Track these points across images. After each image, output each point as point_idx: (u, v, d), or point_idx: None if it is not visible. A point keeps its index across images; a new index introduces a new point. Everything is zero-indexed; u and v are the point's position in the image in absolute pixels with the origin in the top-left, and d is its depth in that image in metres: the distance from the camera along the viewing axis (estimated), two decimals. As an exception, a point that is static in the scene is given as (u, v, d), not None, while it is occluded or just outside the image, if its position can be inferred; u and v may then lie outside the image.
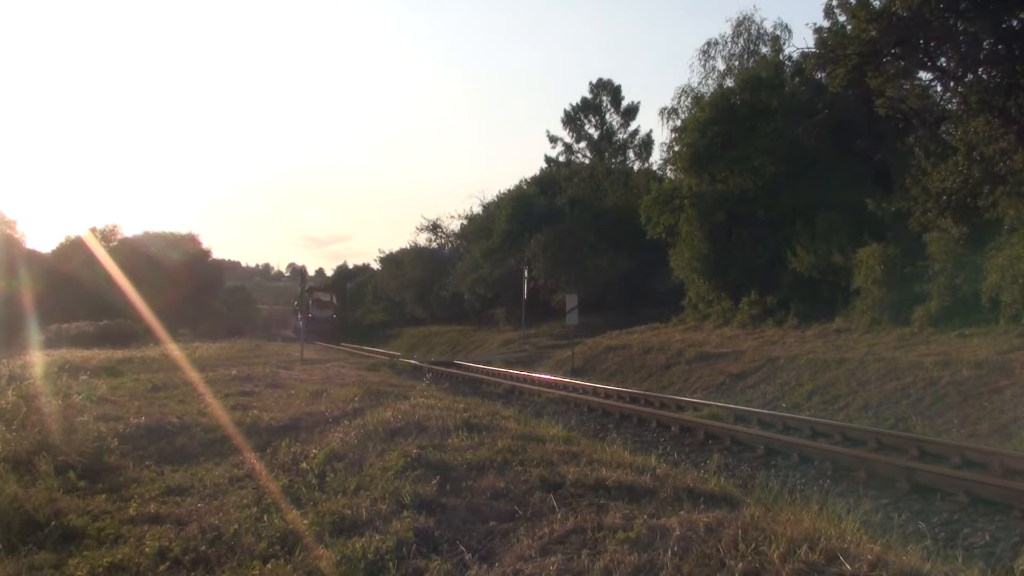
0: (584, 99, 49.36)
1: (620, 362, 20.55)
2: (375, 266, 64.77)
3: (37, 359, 17.01)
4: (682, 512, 4.03)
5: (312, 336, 44.31)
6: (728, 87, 26.16)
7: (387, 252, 59.65)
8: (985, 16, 14.65)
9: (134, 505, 5.31)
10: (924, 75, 18.03)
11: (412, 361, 22.58)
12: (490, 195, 44.53)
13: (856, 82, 17.36)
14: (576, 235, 34.31)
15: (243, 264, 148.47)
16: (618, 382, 17.23)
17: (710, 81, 29.07)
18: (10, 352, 20.75)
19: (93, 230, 55.79)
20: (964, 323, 14.64)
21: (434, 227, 53.01)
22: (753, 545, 3.33)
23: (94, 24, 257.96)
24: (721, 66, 29.36)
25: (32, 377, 11.68)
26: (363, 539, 4.04)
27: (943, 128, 18.06)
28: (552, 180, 42.59)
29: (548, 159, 50.33)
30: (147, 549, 4.24)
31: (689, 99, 28.69)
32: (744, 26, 29.02)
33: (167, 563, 4.07)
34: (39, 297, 37.10)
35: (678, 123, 28.72)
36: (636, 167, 45.38)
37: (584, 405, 12.33)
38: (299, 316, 51.93)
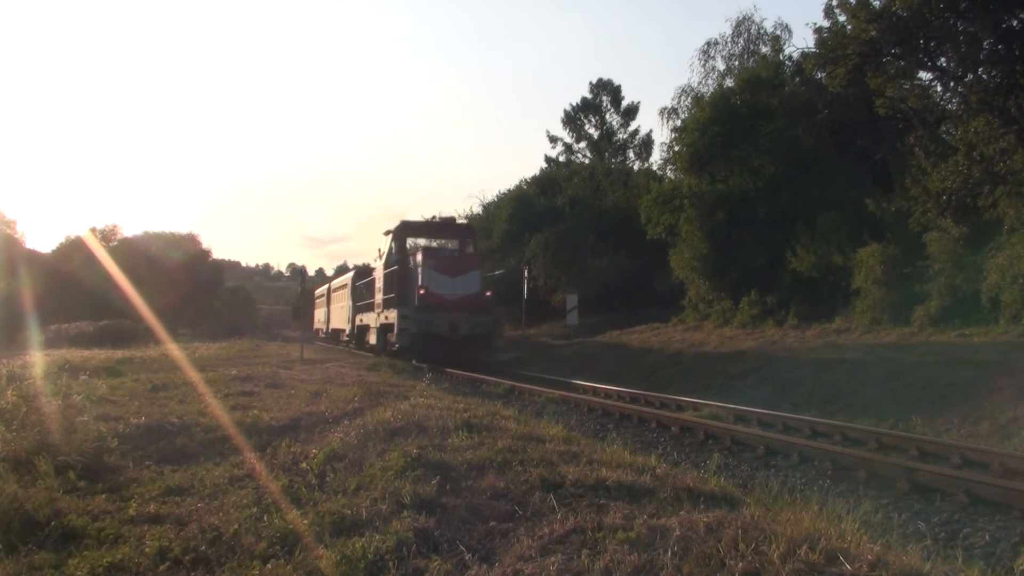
0: (584, 99, 49.39)
1: (620, 362, 20.54)
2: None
3: (37, 359, 16.99)
4: (682, 512, 4.02)
5: (424, 346, 19.05)
6: (728, 87, 26.15)
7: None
8: (985, 16, 14.66)
9: (134, 505, 5.31)
10: (924, 75, 18.04)
11: (412, 361, 22.52)
12: (490, 195, 44.05)
13: (856, 82, 17.37)
14: (576, 235, 34.28)
15: (243, 264, 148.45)
16: (618, 382, 17.23)
17: (710, 81, 29.05)
18: (10, 352, 20.74)
19: (93, 230, 55.62)
20: (964, 323, 14.65)
21: (434, 227, 52.82)
22: (753, 545, 3.32)
23: (94, 24, 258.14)
24: (721, 66, 29.33)
25: (32, 377, 11.66)
26: (363, 539, 4.05)
27: (943, 128, 18.06)
28: (552, 180, 42.57)
29: (548, 159, 50.34)
30: (147, 549, 4.24)
31: (689, 99, 28.68)
32: (744, 26, 28.98)
33: (167, 563, 4.08)
34: (39, 297, 37.06)
35: (678, 123, 28.71)
36: (636, 167, 45.39)
37: (584, 405, 12.31)
38: (315, 313, 37.79)
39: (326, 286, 37.62)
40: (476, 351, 19.50)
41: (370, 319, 23.87)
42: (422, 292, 19.24)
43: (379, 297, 22.38)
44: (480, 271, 20.78)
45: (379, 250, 22.77)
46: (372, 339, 23.72)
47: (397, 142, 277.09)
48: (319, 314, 38.37)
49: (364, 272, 27.56)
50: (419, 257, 20.68)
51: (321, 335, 39.51)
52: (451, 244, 23.04)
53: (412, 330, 19.18)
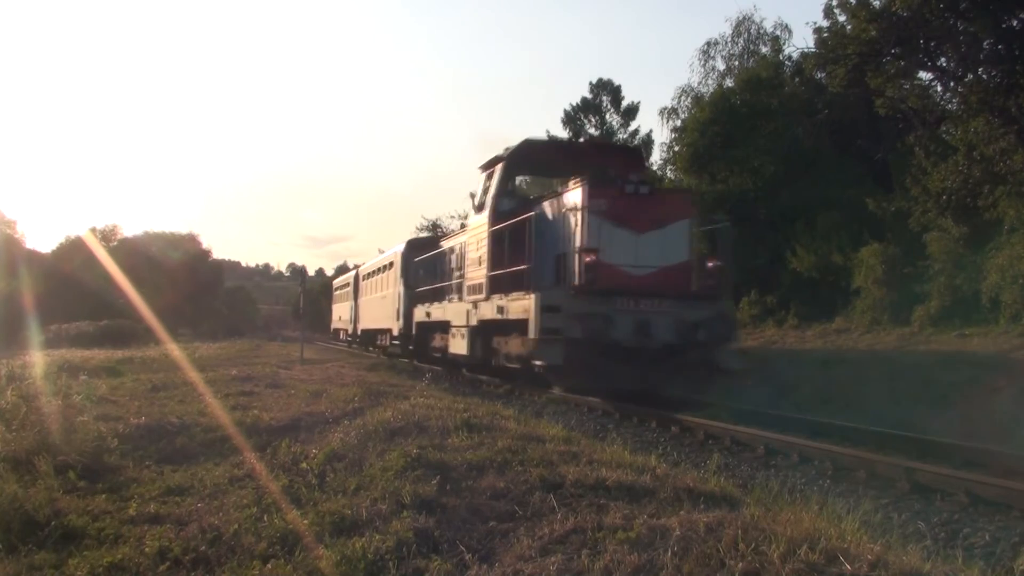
0: (584, 99, 49.27)
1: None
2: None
3: (37, 359, 17.00)
4: (682, 512, 4.02)
5: (592, 363, 10.62)
6: (728, 87, 26.16)
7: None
8: (985, 16, 14.66)
9: (134, 505, 5.31)
10: (924, 75, 18.06)
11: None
12: (490, 195, 43.55)
13: (856, 82, 17.37)
14: (576, 235, 34.08)
15: (243, 264, 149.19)
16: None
17: (710, 81, 29.08)
18: (10, 352, 20.75)
19: (93, 230, 55.80)
20: (964, 323, 14.65)
21: (434, 227, 52.87)
22: (753, 545, 3.32)
23: (94, 24, 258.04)
24: (721, 66, 29.37)
25: (32, 377, 11.69)
26: (363, 539, 4.04)
27: (943, 128, 18.06)
28: (552, 180, 42.50)
29: (548, 159, 50.34)
30: (147, 549, 4.24)
31: (689, 99, 28.69)
32: (744, 26, 29.02)
33: (167, 563, 4.07)
34: (39, 297, 37.06)
35: (678, 123, 28.71)
36: (636, 167, 45.34)
37: (584, 405, 12.30)
38: (334, 309, 31.08)
39: (352, 272, 28.51)
40: (692, 371, 11.34)
41: (450, 313, 15.05)
42: (589, 260, 10.66)
43: (473, 275, 13.80)
44: (690, 222, 11.75)
45: (471, 196, 14.37)
46: (457, 346, 14.57)
47: (397, 142, 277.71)
48: (341, 310, 29.49)
49: (425, 244, 19.35)
50: (571, 195, 11.50)
51: (344, 337, 30.37)
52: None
53: (573, 333, 10.48)
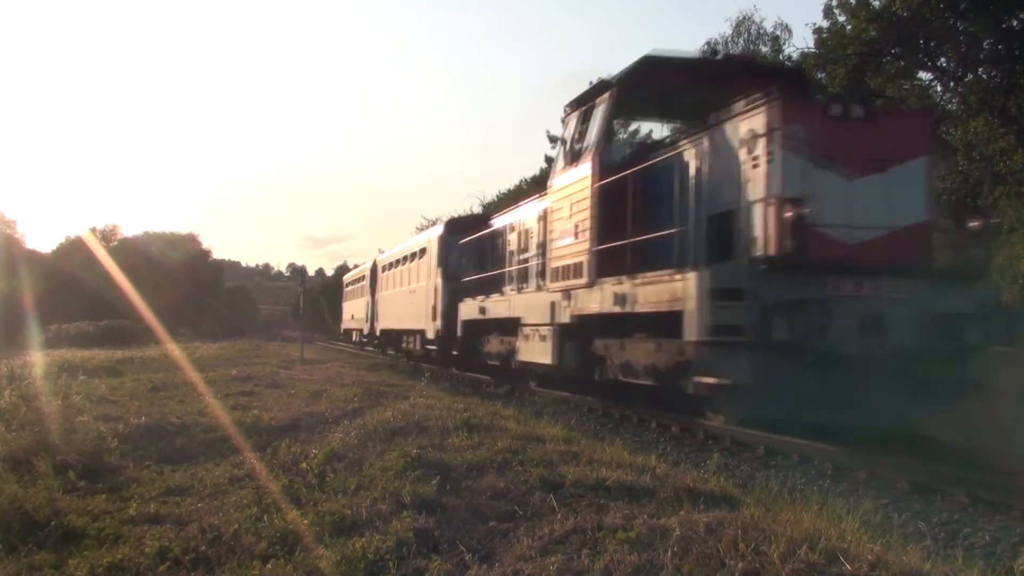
0: (584, 99, 49.37)
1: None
2: (375, 266, 62.56)
3: (37, 359, 17.01)
4: (682, 512, 4.03)
5: (788, 378, 6.86)
6: (728, 87, 26.17)
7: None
8: (985, 16, 14.70)
9: (134, 505, 5.31)
10: (924, 75, 18.09)
11: (412, 361, 22.44)
12: (490, 195, 43.56)
13: (856, 82, 17.41)
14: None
15: (243, 264, 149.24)
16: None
17: (710, 81, 29.11)
18: (10, 352, 20.76)
19: (93, 230, 55.91)
20: (964, 323, 14.65)
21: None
22: (753, 545, 3.33)
23: (94, 24, 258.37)
24: (721, 66, 29.39)
25: (32, 377, 11.70)
26: (363, 539, 4.05)
27: (943, 128, 18.08)
28: (552, 180, 42.40)
29: (548, 159, 50.30)
30: (147, 549, 4.24)
31: (689, 99, 28.67)
32: (744, 26, 28.98)
33: (167, 563, 4.07)
34: (39, 297, 37.09)
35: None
36: (636, 167, 45.22)
37: (584, 405, 12.29)
38: (344, 307, 28.47)
39: (368, 264, 24.90)
40: (938, 390, 7.76)
41: (519, 307, 12.13)
42: (791, 214, 6.90)
43: (563, 251, 10.36)
44: (928, 160, 7.79)
45: (561, 142, 11.22)
46: (534, 353, 11.53)
47: (398, 142, 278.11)
48: (353, 308, 26.14)
49: (470, 224, 15.99)
50: (745, 121, 7.66)
51: (358, 339, 27.18)
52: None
53: (776, 334, 6.97)
